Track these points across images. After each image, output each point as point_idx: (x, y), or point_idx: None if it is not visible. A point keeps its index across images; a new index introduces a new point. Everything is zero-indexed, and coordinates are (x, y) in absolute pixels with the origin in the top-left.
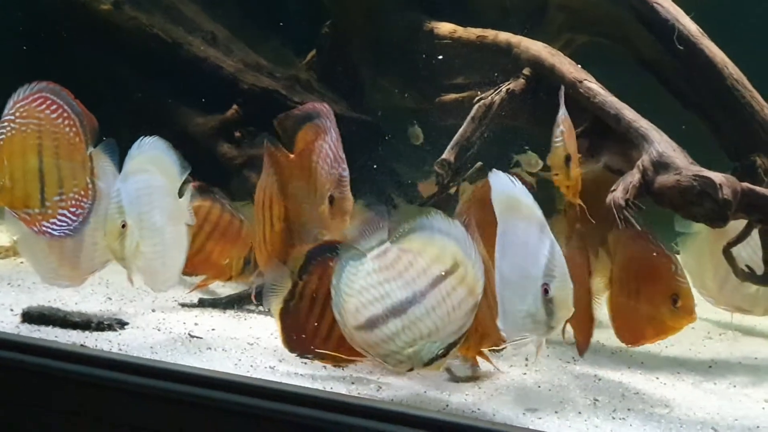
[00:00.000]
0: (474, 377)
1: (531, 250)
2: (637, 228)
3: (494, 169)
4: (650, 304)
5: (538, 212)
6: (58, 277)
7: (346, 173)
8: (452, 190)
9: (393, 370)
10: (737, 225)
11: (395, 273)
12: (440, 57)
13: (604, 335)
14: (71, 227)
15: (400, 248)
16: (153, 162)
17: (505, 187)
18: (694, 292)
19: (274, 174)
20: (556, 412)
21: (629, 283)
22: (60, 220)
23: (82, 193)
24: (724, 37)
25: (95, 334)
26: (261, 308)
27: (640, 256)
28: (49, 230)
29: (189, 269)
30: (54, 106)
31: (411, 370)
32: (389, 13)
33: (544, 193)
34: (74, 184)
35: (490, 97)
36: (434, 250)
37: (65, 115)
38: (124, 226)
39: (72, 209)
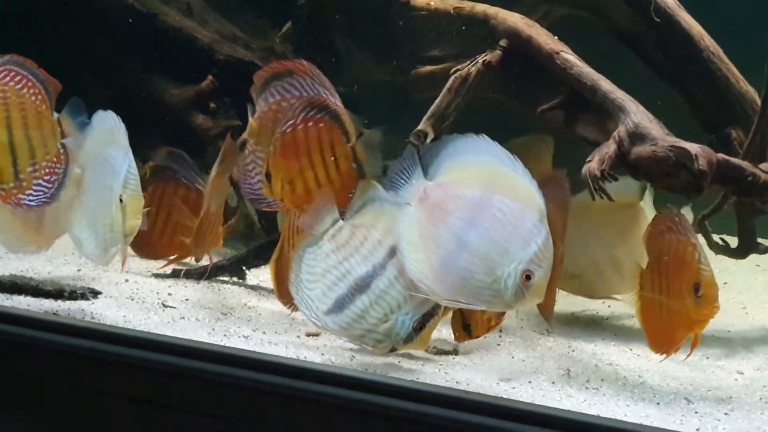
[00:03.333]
0: (453, 352)
1: (522, 234)
2: (672, 217)
3: (484, 136)
4: (676, 297)
5: (540, 201)
6: (24, 244)
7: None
8: None
9: (375, 351)
10: None
11: (352, 249)
12: (416, 29)
13: (579, 308)
14: (48, 195)
15: (352, 224)
16: None
17: (501, 162)
18: None
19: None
20: (529, 382)
21: (659, 283)
22: (36, 190)
23: (55, 159)
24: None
25: (68, 303)
26: (235, 279)
27: (668, 249)
28: (26, 202)
29: (155, 253)
30: (18, 77)
31: (394, 350)
32: None
33: None
34: (46, 152)
35: (466, 69)
36: (386, 220)
37: (30, 84)
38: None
39: (46, 177)
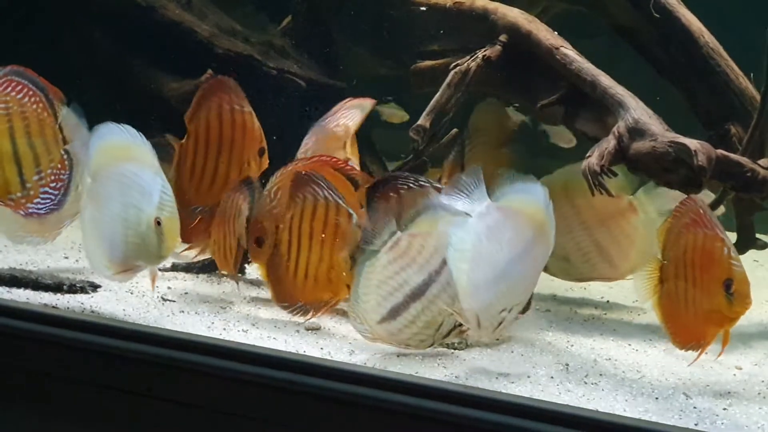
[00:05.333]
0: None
1: (536, 269)
2: (696, 209)
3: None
4: (706, 294)
5: (552, 235)
6: (27, 234)
7: None
8: None
9: (414, 350)
10: None
11: (409, 259)
12: (416, 24)
13: (577, 303)
14: (55, 202)
15: (410, 234)
16: None
17: (546, 210)
18: None
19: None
20: (528, 377)
21: (684, 278)
22: (43, 198)
23: (59, 166)
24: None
25: (67, 296)
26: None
27: (694, 244)
28: (35, 210)
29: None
30: (19, 87)
31: (431, 345)
32: None
33: None
34: (50, 159)
35: (466, 64)
36: (443, 227)
37: (30, 92)
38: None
39: (52, 184)
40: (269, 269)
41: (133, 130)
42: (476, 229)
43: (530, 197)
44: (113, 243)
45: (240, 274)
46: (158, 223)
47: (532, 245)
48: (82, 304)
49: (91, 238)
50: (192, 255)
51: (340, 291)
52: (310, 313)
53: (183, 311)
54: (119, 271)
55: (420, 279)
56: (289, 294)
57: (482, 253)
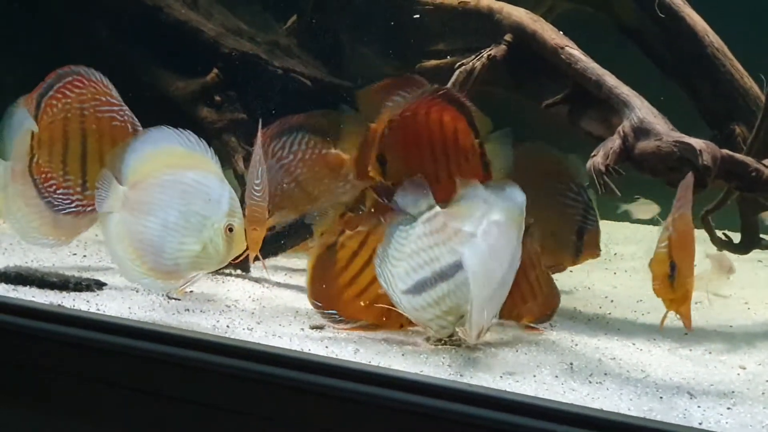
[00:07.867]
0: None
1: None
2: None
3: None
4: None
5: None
6: (41, 236)
7: None
8: None
9: (434, 335)
10: None
11: (444, 237)
12: (422, 23)
13: (581, 302)
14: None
15: (448, 215)
16: None
17: (519, 207)
18: None
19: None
20: (534, 376)
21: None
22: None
23: None
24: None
25: (73, 294)
26: (239, 272)
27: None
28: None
29: None
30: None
31: (452, 336)
32: None
33: None
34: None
35: (471, 63)
36: (479, 216)
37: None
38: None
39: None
40: (317, 263)
41: (193, 137)
42: (482, 248)
43: (514, 203)
44: (160, 251)
45: (244, 272)
46: (230, 230)
47: (515, 250)
48: (87, 302)
49: (123, 245)
50: None
51: (390, 326)
52: (340, 324)
53: (188, 309)
54: (169, 280)
55: (451, 260)
56: (329, 298)
57: (488, 271)
